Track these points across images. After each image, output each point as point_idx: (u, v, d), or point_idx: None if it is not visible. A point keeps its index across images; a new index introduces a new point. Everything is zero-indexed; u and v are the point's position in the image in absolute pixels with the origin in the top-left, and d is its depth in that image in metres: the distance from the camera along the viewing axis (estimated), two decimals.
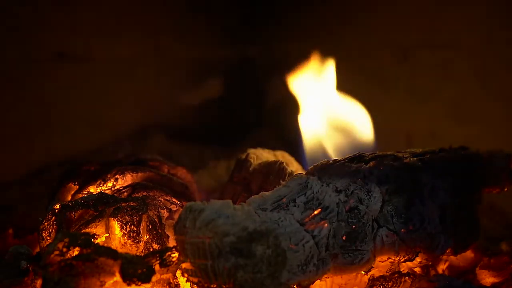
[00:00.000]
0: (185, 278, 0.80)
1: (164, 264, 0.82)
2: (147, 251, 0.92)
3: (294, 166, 1.15)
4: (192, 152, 1.65)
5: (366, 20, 1.59)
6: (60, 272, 0.78)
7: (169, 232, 0.96)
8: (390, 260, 0.90)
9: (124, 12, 1.59)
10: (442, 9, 1.47)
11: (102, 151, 1.55)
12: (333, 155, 1.11)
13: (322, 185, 0.86)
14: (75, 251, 0.79)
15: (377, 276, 0.91)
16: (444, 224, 0.89)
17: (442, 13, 1.47)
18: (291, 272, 0.78)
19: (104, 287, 0.79)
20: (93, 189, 1.02)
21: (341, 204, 0.85)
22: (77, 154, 1.51)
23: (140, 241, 0.93)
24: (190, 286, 0.83)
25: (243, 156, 1.10)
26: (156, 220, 0.97)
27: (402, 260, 0.90)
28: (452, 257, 0.99)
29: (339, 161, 0.92)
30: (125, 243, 0.92)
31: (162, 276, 0.85)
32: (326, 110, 1.18)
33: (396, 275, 0.90)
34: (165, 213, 1.00)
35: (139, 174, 1.05)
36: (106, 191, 1.01)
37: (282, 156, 1.18)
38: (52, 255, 0.79)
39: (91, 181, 1.03)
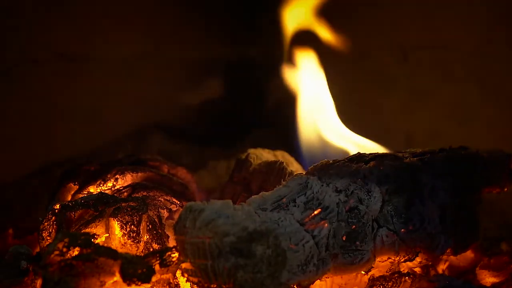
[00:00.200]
0: (185, 278, 0.80)
1: (164, 264, 0.82)
2: (147, 251, 0.92)
3: (294, 166, 1.15)
4: (192, 152, 1.65)
5: (366, 20, 1.59)
6: (60, 272, 0.78)
7: (169, 232, 0.96)
8: (390, 260, 0.90)
9: (124, 12, 1.59)
10: (442, 9, 1.47)
11: (102, 151, 1.55)
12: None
13: (322, 185, 0.86)
14: (75, 251, 0.79)
15: (377, 276, 0.91)
16: (444, 224, 0.89)
17: (442, 13, 1.47)
18: (291, 272, 0.78)
19: (104, 287, 0.79)
20: (93, 189, 1.02)
21: (341, 204, 0.85)
22: (77, 154, 1.50)
23: (140, 241, 0.93)
24: (190, 286, 0.83)
25: (243, 156, 1.11)
26: (156, 220, 0.97)
27: (402, 260, 0.90)
28: (452, 257, 0.99)
29: (339, 161, 0.92)
30: (125, 243, 0.92)
31: (162, 276, 0.85)
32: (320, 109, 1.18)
33: (396, 275, 0.90)
34: (165, 213, 1.00)
35: (139, 174, 1.05)
36: (106, 191, 1.01)
37: (282, 156, 1.18)
38: (52, 255, 0.79)
39: (91, 181, 1.03)
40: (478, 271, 1.01)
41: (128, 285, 0.79)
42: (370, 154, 0.93)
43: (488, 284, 0.98)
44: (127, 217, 0.93)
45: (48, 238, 0.93)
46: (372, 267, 0.88)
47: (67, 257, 0.79)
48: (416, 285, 0.87)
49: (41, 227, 0.94)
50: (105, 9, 1.54)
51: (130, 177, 1.04)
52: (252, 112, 1.82)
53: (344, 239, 0.84)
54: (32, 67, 1.45)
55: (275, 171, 1.03)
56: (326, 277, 0.87)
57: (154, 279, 0.80)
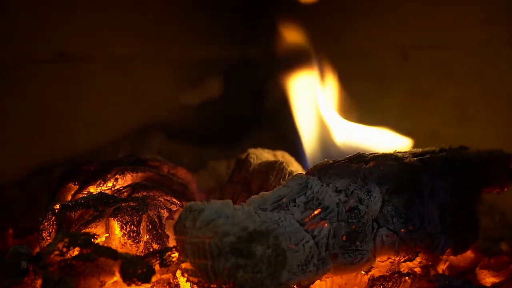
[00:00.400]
0: (185, 278, 0.80)
1: (164, 264, 0.82)
2: (147, 251, 0.92)
3: (294, 166, 1.15)
4: (192, 152, 1.65)
5: (366, 20, 1.59)
6: (60, 272, 0.78)
7: (169, 232, 0.96)
8: (390, 260, 0.90)
9: (124, 12, 1.59)
10: (442, 9, 1.47)
11: (102, 151, 1.55)
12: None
13: (322, 185, 0.86)
14: (75, 251, 0.79)
15: (377, 276, 0.91)
16: (444, 224, 0.89)
17: (442, 13, 1.47)
18: (291, 272, 0.78)
19: (104, 287, 0.79)
20: (93, 189, 1.02)
21: (341, 204, 0.85)
22: (77, 154, 1.50)
23: (140, 241, 0.93)
24: (190, 286, 0.83)
25: (243, 156, 1.11)
26: (156, 220, 0.97)
27: (402, 260, 0.90)
28: (452, 257, 0.99)
29: (339, 161, 0.92)
30: (125, 243, 0.92)
31: (162, 276, 0.85)
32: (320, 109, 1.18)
33: (396, 275, 0.90)
34: (165, 213, 1.00)
35: (139, 174, 1.05)
36: (106, 191, 1.01)
37: (282, 156, 1.18)
38: (52, 255, 0.79)
39: (91, 181, 1.03)
40: (478, 271, 1.01)
41: (128, 285, 0.79)
42: (370, 154, 0.93)
43: (488, 284, 0.98)
44: (127, 217, 0.93)
45: (48, 238, 0.93)
46: (372, 267, 0.88)
47: (67, 257, 0.79)
48: (416, 285, 0.87)
49: (41, 227, 0.94)
50: (105, 9, 1.54)
51: (130, 177, 1.04)
52: (252, 112, 1.82)
53: (344, 239, 0.84)
54: (32, 67, 1.45)
55: (275, 171, 1.03)
56: (326, 277, 0.87)
57: (154, 279, 0.80)
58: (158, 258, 0.82)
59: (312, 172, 0.91)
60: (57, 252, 0.79)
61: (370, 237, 0.86)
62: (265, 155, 1.14)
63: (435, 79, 1.51)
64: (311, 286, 0.85)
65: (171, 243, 0.94)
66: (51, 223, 0.93)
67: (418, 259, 0.90)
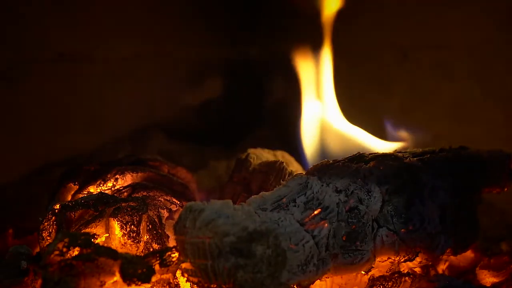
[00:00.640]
0: (185, 278, 0.80)
1: (164, 264, 0.82)
2: (147, 251, 0.92)
3: (294, 166, 1.15)
4: (192, 152, 1.65)
5: (366, 20, 1.59)
6: (60, 272, 0.78)
7: (169, 232, 0.96)
8: (390, 260, 0.90)
9: (124, 12, 1.59)
10: (442, 9, 1.47)
11: (102, 151, 1.55)
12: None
13: (322, 185, 0.86)
14: (75, 251, 0.79)
15: (377, 276, 0.91)
16: (444, 224, 0.89)
17: (442, 13, 1.47)
18: (291, 272, 0.78)
19: (104, 287, 0.79)
20: (93, 189, 1.02)
21: (341, 204, 0.85)
22: (77, 154, 1.50)
23: (140, 241, 0.93)
24: (190, 286, 0.83)
25: (243, 156, 1.11)
26: (156, 220, 0.97)
27: (402, 260, 0.90)
28: (452, 257, 0.99)
29: (339, 161, 0.92)
30: (125, 243, 0.92)
31: (162, 276, 0.85)
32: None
33: (396, 275, 0.90)
34: (165, 213, 1.00)
35: (139, 174, 1.05)
36: (106, 191, 1.01)
37: (282, 156, 1.18)
38: (52, 255, 0.79)
39: (91, 181, 1.03)
40: (478, 271, 1.01)
41: (128, 285, 0.79)
42: (370, 154, 0.93)
43: (488, 284, 0.98)
44: (127, 217, 0.93)
45: (48, 238, 0.93)
46: (372, 267, 0.88)
47: (67, 257, 0.79)
48: (416, 285, 0.87)
49: (41, 227, 0.94)
50: (105, 9, 1.54)
51: (130, 177, 1.04)
52: (252, 112, 1.82)
53: (344, 239, 0.84)
54: (32, 67, 1.45)
55: (275, 171, 1.03)
56: (326, 277, 0.87)
57: (154, 279, 0.80)
58: (158, 258, 0.82)
59: (312, 172, 0.91)
60: (57, 252, 0.79)
61: (370, 237, 0.86)
62: (265, 155, 1.14)
63: (434, 79, 1.51)
64: (311, 286, 0.85)
65: (171, 243, 0.94)
66: (51, 223, 0.93)
67: (418, 259, 0.90)
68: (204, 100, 1.78)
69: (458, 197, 0.92)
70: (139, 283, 0.78)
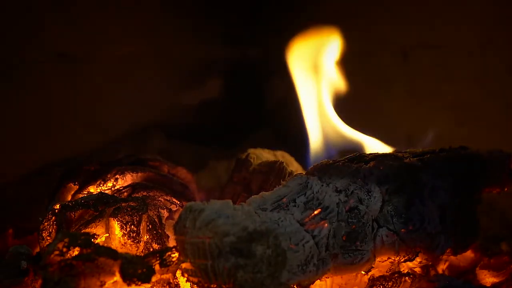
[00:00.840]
0: (185, 278, 0.80)
1: (164, 264, 0.82)
2: (147, 251, 0.92)
3: (294, 166, 1.15)
4: (192, 152, 1.65)
5: (366, 20, 1.59)
6: (60, 272, 0.78)
7: (169, 232, 0.96)
8: (390, 260, 0.90)
9: (124, 12, 1.59)
10: (442, 9, 1.47)
11: (102, 151, 1.55)
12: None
13: (322, 185, 0.86)
14: (75, 251, 0.79)
15: (377, 276, 0.91)
16: (444, 224, 0.89)
17: (442, 13, 1.47)
18: (291, 272, 0.78)
19: (104, 287, 0.79)
20: (93, 189, 1.02)
21: (341, 204, 0.85)
22: (77, 154, 1.50)
23: (140, 241, 0.93)
24: (190, 286, 0.83)
25: (243, 156, 1.11)
26: (156, 220, 0.97)
27: (402, 260, 0.90)
28: (452, 257, 0.99)
29: (339, 161, 0.92)
30: (125, 243, 0.92)
31: (162, 276, 0.85)
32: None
33: (396, 275, 0.90)
34: (165, 213, 1.00)
35: (139, 174, 1.05)
36: (106, 191, 1.01)
37: (282, 156, 1.18)
38: (52, 255, 0.79)
39: (91, 181, 1.03)
40: (478, 271, 1.01)
41: (128, 285, 0.79)
42: (370, 154, 0.93)
43: (488, 284, 0.98)
44: (127, 217, 0.93)
45: (48, 238, 0.93)
46: (372, 267, 0.88)
47: (67, 257, 0.79)
48: (416, 285, 0.87)
49: (41, 227, 0.94)
50: (105, 9, 1.54)
51: (130, 177, 1.04)
52: (252, 112, 1.83)
53: (344, 239, 0.84)
54: (32, 67, 1.45)
55: (275, 171, 1.03)
56: (326, 277, 0.87)
57: (154, 279, 0.80)
58: (158, 258, 0.82)
59: (312, 172, 0.91)
60: (57, 252, 0.79)
61: (370, 237, 0.86)
62: (265, 155, 1.14)
63: (434, 79, 1.51)
64: (311, 286, 0.85)
65: (171, 243, 0.94)
66: (51, 223, 0.93)
67: (418, 259, 0.90)
68: (204, 100, 1.78)
69: (458, 197, 0.92)
70: (139, 283, 0.78)
